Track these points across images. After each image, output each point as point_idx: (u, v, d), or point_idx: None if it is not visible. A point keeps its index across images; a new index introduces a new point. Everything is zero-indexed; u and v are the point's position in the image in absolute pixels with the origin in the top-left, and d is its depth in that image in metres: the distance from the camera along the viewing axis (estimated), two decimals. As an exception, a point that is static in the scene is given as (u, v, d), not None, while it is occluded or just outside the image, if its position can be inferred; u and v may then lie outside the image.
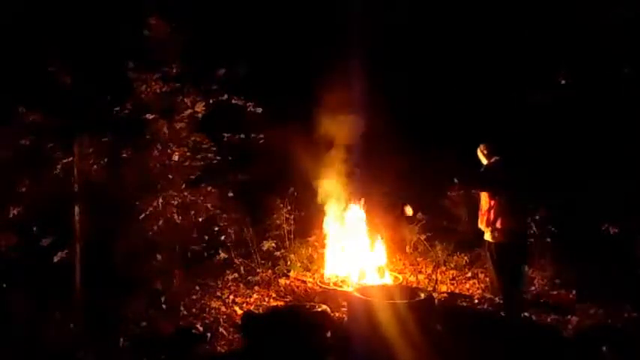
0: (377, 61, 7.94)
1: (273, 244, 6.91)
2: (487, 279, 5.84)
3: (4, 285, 4.73)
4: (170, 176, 5.09)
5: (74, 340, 4.20)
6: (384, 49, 8.31)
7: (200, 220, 5.25)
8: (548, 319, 4.99)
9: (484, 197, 5.22)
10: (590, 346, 4.28)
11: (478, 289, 6.01)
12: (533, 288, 5.87)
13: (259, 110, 5.59)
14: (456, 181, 5.86)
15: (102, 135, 4.94)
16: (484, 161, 5.32)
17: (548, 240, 6.71)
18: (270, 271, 6.49)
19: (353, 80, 7.45)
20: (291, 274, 6.54)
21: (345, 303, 5.10)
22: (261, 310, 5.10)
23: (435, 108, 8.90)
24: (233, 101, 5.40)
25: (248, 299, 5.58)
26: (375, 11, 8.12)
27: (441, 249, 7.27)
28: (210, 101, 5.26)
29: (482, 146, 5.35)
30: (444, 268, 6.86)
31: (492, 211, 5.06)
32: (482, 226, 5.25)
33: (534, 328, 4.90)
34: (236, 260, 6.47)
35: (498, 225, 5.04)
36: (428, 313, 4.17)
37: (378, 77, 7.85)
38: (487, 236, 5.20)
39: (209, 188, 5.31)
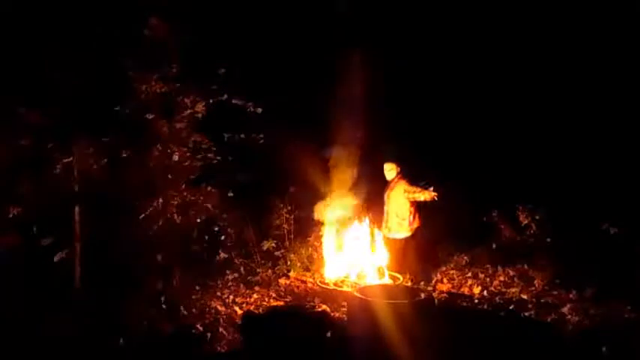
0: (377, 60, 7.93)
1: (273, 244, 6.91)
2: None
3: (4, 285, 4.73)
4: (170, 176, 5.09)
5: (74, 340, 4.20)
6: (385, 48, 8.30)
7: (200, 220, 5.25)
8: (548, 319, 4.99)
9: (407, 205, 6.14)
10: (590, 346, 4.28)
11: (478, 288, 6.02)
12: (533, 288, 5.87)
13: (259, 110, 5.59)
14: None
15: (102, 135, 4.93)
16: (392, 175, 6.27)
17: (548, 240, 6.72)
18: (270, 271, 6.49)
19: (353, 79, 7.45)
20: (291, 274, 6.54)
21: (345, 303, 5.10)
22: (261, 310, 5.11)
23: (434, 108, 8.90)
24: (233, 101, 5.40)
25: (248, 299, 5.58)
26: (377, 11, 8.13)
27: (441, 249, 7.27)
28: (210, 101, 5.26)
29: (393, 164, 6.29)
30: (444, 268, 6.86)
31: (412, 216, 6.18)
32: (402, 228, 6.19)
33: (534, 328, 4.90)
34: (236, 260, 6.47)
35: (415, 225, 6.20)
36: (428, 313, 4.17)
37: (378, 75, 7.85)
38: (403, 235, 6.20)
39: (209, 188, 5.31)
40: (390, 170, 6.30)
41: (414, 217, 6.17)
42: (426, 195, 5.99)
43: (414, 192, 6.07)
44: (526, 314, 5.15)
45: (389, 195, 6.27)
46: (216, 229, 5.49)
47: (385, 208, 6.34)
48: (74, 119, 4.83)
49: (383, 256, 6.38)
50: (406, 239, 6.22)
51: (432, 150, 8.45)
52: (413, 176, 6.25)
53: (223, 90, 5.34)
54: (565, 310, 5.10)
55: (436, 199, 5.98)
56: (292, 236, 7.21)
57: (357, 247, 6.46)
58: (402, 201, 6.15)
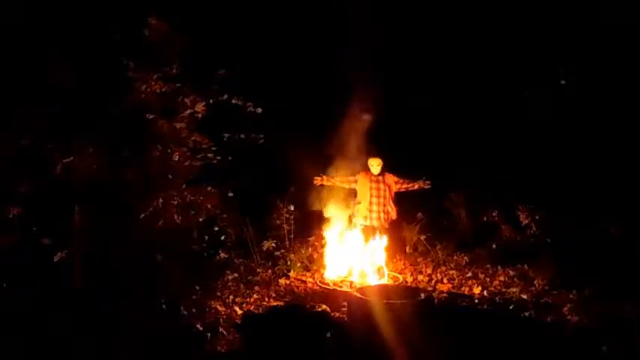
0: (378, 60, 7.94)
1: (273, 244, 6.92)
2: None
3: (4, 285, 4.73)
4: (170, 176, 5.08)
5: (74, 340, 4.20)
6: (385, 48, 8.31)
7: (200, 220, 5.24)
8: (548, 319, 4.99)
9: (390, 196, 6.77)
10: (590, 346, 4.27)
11: (478, 288, 6.02)
12: (533, 288, 5.87)
13: (259, 110, 5.59)
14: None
15: (102, 135, 4.93)
16: (379, 169, 6.78)
17: (548, 240, 6.72)
18: (270, 271, 6.49)
19: (354, 78, 7.46)
20: (291, 274, 6.54)
21: (345, 303, 5.10)
22: (261, 310, 5.11)
23: (434, 107, 8.91)
24: (233, 101, 5.40)
25: (248, 299, 5.58)
26: (378, 12, 8.13)
27: (441, 249, 7.27)
28: (210, 101, 5.25)
29: (380, 159, 6.81)
30: (444, 268, 6.87)
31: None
32: (393, 213, 6.79)
33: (534, 328, 4.90)
34: (236, 260, 6.46)
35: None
36: (428, 313, 4.17)
37: (379, 74, 7.86)
38: (382, 224, 6.74)
39: (209, 188, 5.30)
40: (377, 165, 6.81)
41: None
42: (420, 184, 6.82)
43: (408, 183, 6.85)
44: (526, 314, 5.15)
45: (385, 187, 6.80)
46: (216, 229, 5.49)
47: (377, 199, 6.76)
48: (74, 119, 4.83)
49: (383, 255, 6.40)
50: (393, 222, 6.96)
51: (432, 150, 8.46)
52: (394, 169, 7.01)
53: (223, 90, 5.34)
54: (565, 310, 5.09)
55: (429, 186, 6.82)
56: (292, 236, 7.21)
57: (356, 246, 6.47)
58: (393, 191, 6.85)
